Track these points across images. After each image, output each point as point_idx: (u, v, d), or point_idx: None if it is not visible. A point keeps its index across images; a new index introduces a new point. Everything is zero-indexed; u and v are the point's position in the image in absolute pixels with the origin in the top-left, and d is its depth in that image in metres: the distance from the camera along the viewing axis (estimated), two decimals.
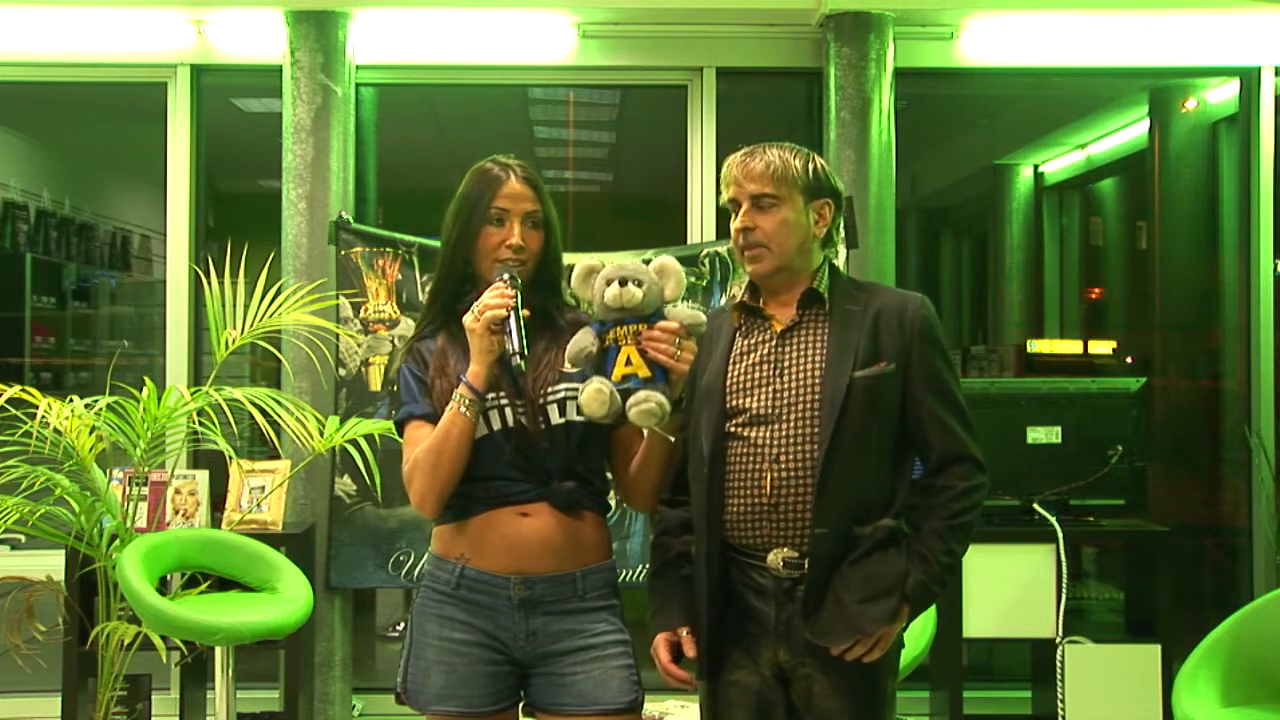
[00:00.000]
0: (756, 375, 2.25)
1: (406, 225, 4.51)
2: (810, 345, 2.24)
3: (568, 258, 2.39)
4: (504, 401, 2.24)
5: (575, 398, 2.20)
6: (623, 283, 2.16)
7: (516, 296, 2.19)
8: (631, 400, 2.15)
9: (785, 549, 2.21)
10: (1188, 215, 5.36)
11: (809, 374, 2.21)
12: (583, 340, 2.19)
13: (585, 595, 2.27)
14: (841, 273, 2.36)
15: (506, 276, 2.21)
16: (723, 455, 2.24)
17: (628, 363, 2.16)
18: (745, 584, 2.25)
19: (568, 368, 2.22)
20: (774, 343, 2.26)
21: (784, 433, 2.22)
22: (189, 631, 3.36)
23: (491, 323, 2.16)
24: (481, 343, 2.18)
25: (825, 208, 2.30)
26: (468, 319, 2.20)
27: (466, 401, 2.18)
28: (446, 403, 2.22)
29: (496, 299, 2.17)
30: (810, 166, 2.27)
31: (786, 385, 2.22)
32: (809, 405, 2.20)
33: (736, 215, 2.28)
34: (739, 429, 2.24)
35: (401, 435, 2.31)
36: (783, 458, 2.21)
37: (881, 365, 2.20)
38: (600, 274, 2.20)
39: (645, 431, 2.28)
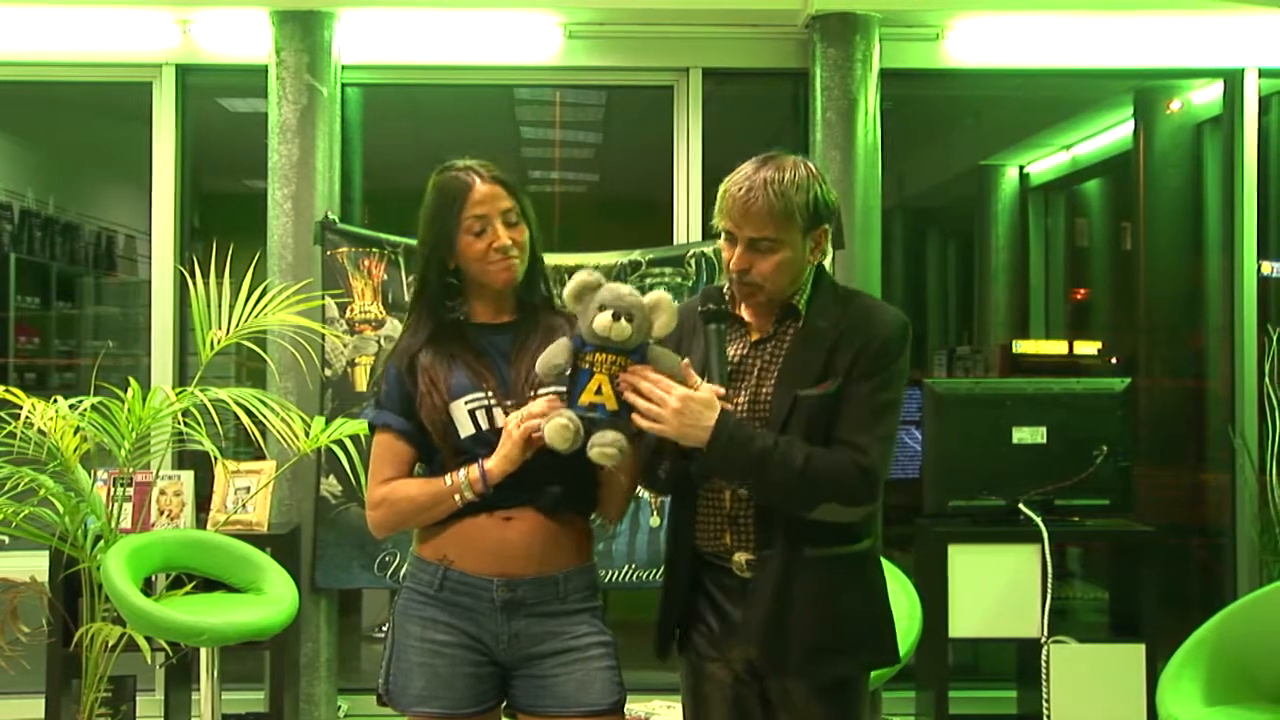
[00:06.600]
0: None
1: (392, 226, 4.49)
2: (775, 359, 2.20)
3: (557, 258, 2.37)
4: (492, 401, 2.22)
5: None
6: (616, 316, 2.07)
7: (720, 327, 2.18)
8: (595, 439, 2.10)
9: (747, 553, 2.21)
10: (1172, 216, 5.38)
11: (765, 389, 2.18)
12: (558, 355, 2.13)
13: (567, 598, 2.26)
14: (828, 279, 2.27)
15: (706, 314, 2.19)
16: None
17: (598, 391, 2.10)
18: (715, 584, 2.25)
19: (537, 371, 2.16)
20: (745, 351, 2.24)
21: None
22: (174, 632, 3.35)
23: (531, 433, 2.13)
24: (515, 450, 2.15)
25: (823, 235, 2.20)
26: (511, 422, 2.15)
27: (471, 491, 2.18)
28: (434, 418, 2.21)
29: (541, 409, 2.13)
30: (810, 198, 2.13)
31: (746, 399, 2.19)
32: (760, 421, 2.16)
33: (731, 246, 2.18)
34: None
35: (372, 433, 2.30)
36: None
37: (826, 385, 2.14)
38: (596, 295, 2.11)
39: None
